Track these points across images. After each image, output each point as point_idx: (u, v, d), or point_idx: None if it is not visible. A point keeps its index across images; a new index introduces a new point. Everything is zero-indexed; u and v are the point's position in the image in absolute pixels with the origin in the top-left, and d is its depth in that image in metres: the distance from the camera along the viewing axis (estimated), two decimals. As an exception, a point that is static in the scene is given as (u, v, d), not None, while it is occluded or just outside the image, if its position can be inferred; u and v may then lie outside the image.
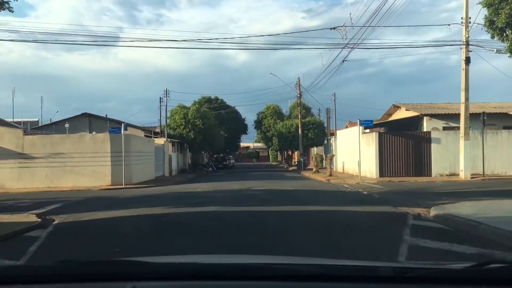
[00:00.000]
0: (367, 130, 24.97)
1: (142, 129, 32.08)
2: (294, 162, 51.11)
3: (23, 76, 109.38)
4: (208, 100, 47.48)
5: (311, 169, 37.04)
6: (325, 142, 41.70)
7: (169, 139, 33.42)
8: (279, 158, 70.00)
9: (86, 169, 21.82)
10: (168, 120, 37.15)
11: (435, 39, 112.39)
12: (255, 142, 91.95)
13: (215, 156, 53.28)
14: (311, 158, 45.39)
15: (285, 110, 49.43)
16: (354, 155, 27.22)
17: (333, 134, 44.68)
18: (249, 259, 2.27)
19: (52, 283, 1.61)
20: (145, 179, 24.90)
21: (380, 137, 22.47)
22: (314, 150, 44.60)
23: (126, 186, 21.00)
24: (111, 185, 21.89)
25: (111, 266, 1.77)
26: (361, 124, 21.62)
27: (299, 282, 1.55)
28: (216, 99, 48.53)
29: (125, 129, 21.75)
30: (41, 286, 1.60)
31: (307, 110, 45.85)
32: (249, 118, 69.76)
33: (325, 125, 44.47)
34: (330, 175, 25.13)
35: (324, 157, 40.81)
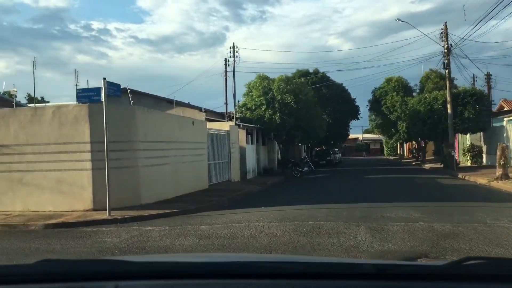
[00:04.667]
0: None
1: (202, 110, 20.92)
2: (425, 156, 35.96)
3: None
4: (304, 74, 34.58)
5: (470, 168, 22.58)
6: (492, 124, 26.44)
7: (241, 124, 21.70)
8: (400, 152, 54.67)
9: (46, 176, 10.97)
10: (244, 98, 25.50)
11: None
12: (363, 132, 77.43)
13: (315, 149, 40.54)
14: (457, 151, 30.39)
15: (413, 83, 34.61)
16: None
17: (499, 113, 29.12)
18: (232, 258, 2.24)
19: (33, 283, 1.52)
20: (183, 191, 13.48)
21: None
22: (467, 138, 29.50)
23: (113, 215, 9.62)
24: (93, 209, 10.73)
25: (93, 265, 1.72)
26: None
27: (282, 280, 1.48)
28: (316, 72, 35.36)
29: (116, 94, 10.33)
30: (21, 286, 1.52)
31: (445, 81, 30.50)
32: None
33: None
34: None
35: (486, 149, 26.18)
